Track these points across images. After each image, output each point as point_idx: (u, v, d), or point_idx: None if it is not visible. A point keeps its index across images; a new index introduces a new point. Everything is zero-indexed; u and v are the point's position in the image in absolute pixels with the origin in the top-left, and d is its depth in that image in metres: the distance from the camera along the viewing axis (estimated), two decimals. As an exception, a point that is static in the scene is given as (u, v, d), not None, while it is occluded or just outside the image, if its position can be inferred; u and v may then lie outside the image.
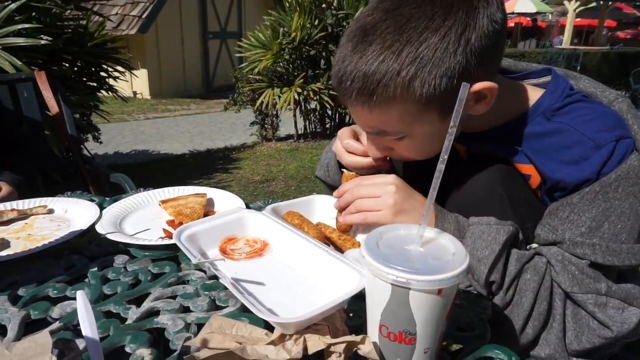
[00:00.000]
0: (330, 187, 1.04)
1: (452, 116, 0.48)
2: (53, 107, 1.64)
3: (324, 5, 5.07)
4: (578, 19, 16.70)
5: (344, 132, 0.88)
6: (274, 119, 5.46)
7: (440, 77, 0.62)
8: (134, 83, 8.69)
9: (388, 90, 0.63)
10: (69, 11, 3.47)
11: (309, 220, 0.78)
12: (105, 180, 1.64)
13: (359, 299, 0.66)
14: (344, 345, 0.50)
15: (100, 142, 4.21)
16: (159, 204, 0.97)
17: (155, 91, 9.03)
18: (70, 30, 3.30)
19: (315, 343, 0.51)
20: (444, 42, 0.61)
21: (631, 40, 19.02)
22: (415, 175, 0.89)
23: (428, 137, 0.71)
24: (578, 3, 13.47)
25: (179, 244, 0.67)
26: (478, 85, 0.66)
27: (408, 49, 0.61)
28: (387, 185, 0.72)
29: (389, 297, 0.46)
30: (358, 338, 0.49)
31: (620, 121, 0.70)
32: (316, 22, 4.96)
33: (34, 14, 2.90)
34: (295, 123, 5.41)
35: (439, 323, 0.48)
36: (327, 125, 5.69)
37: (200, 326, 0.61)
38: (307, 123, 5.54)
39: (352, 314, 0.64)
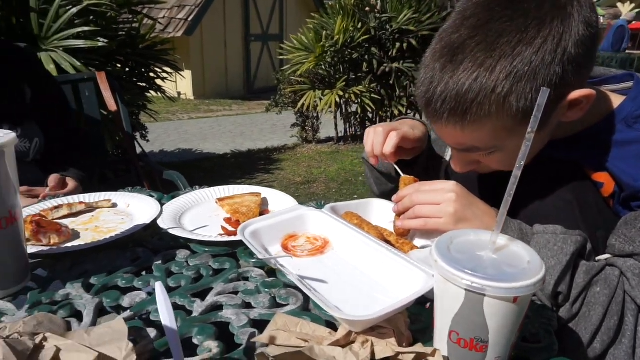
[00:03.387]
0: (374, 171, 1.04)
1: (530, 122, 0.47)
2: (112, 106, 1.72)
3: (367, 9, 5.07)
4: (633, 22, 15.89)
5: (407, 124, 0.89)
6: (315, 121, 5.50)
7: (537, 90, 0.61)
8: (179, 84, 8.96)
9: (483, 108, 0.63)
10: (122, 15, 3.63)
11: (368, 221, 0.79)
12: (158, 177, 1.70)
13: (420, 303, 0.65)
14: (412, 355, 0.50)
15: (148, 141, 4.37)
16: (216, 202, 1.00)
17: (199, 92, 9.28)
18: (124, 33, 3.45)
19: (384, 349, 0.51)
20: (539, 54, 0.60)
21: (691, 45, 17.93)
22: (473, 181, 0.88)
23: (519, 150, 0.70)
24: (633, 5, 12.83)
25: (244, 241, 0.69)
26: (576, 93, 0.64)
27: (502, 64, 0.61)
28: (448, 192, 0.72)
29: (461, 302, 0.46)
30: (429, 350, 0.49)
31: None
32: (359, 26, 4.96)
33: (91, 17, 3.04)
34: (336, 125, 5.43)
35: (512, 332, 0.47)
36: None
37: (262, 322, 0.63)
38: (347, 126, 5.55)
39: (413, 319, 0.63)
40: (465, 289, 0.45)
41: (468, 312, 0.46)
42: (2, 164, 0.60)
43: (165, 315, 0.46)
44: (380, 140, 0.86)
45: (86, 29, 2.72)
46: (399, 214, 0.78)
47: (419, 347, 0.52)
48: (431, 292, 0.58)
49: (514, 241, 0.50)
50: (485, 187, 0.86)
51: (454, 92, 0.64)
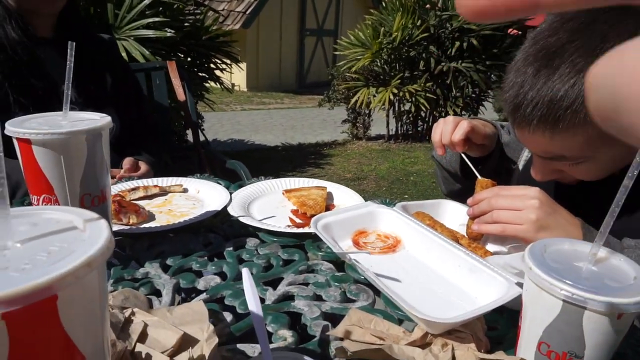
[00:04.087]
0: (442, 170, 1.04)
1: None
2: (181, 94, 1.78)
3: (428, 6, 4.97)
4: None
5: (463, 122, 0.88)
6: (366, 118, 5.46)
7: None
8: (233, 76, 9.18)
9: (578, 116, 0.61)
10: (188, 6, 3.75)
11: (441, 222, 0.77)
12: (219, 166, 1.75)
13: (494, 310, 0.63)
14: (496, 362, 0.48)
15: (203, 129, 4.50)
16: (283, 193, 1.01)
17: (252, 84, 9.46)
18: (188, 24, 3.56)
19: (465, 354, 0.50)
20: None
21: None
22: (549, 190, 0.84)
23: (612, 160, 0.67)
24: None
25: (319, 234, 0.69)
26: None
27: None
28: (530, 198, 0.69)
29: (557, 314, 0.44)
30: (516, 359, 0.47)
31: None
32: (418, 23, 4.87)
33: (160, 8, 3.16)
34: (388, 123, 5.37)
35: (610, 350, 0.44)
36: (419, 128, 5.57)
37: (334, 316, 0.63)
38: (399, 125, 5.48)
39: (489, 326, 0.61)
40: (564, 300, 0.43)
41: (563, 325, 0.44)
42: (98, 146, 0.64)
43: (252, 301, 0.47)
44: (450, 128, 0.85)
45: (156, 19, 2.83)
46: (473, 217, 0.75)
47: (501, 355, 0.50)
48: (512, 301, 0.57)
49: (615, 254, 0.48)
50: (562, 196, 0.82)
51: (547, 99, 0.61)
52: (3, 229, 0.30)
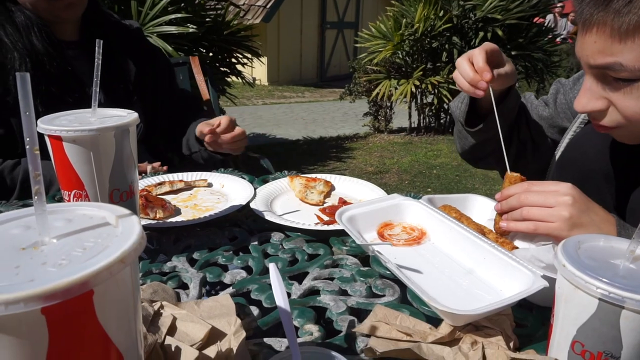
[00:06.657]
0: (457, 123, 1.06)
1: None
2: (204, 89, 1.80)
3: (450, -5, 4.88)
4: None
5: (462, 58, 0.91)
6: (388, 110, 5.42)
7: None
8: (254, 70, 9.21)
9: None
10: (209, 1, 3.77)
11: (467, 215, 0.76)
12: (241, 159, 1.76)
13: (523, 307, 0.62)
14: (528, 363, 0.47)
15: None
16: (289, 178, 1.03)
17: (273, 78, 9.48)
18: (210, 19, 3.59)
19: (495, 353, 0.49)
20: None
21: None
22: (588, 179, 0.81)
23: None
24: None
25: (343, 226, 0.69)
26: None
27: None
28: (563, 195, 0.66)
29: (592, 312, 0.43)
30: (549, 359, 0.46)
31: None
32: (441, 14, 4.79)
33: (182, 4, 3.20)
34: (410, 116, 5.31)
35: (648, 350, 0.43)
36: (442, 121, 5.50)
37: (360, 311, 0.63)
38: (421, 117, 5.41)
39: (517, 323, 0.60)
40: (600, 299, 0.41)
41: (599, 324, 0.43)
42: (125, 142, 0.65)
43: (280, 296, 0.48)
44: (480, 55, 0.88)
45: (178, 15, 2.86)
46: (501, 213, 0.74)
47: (533, 355, 0.49)
48: (535, 295, 0.55)
49: (654, 251, 0.46)
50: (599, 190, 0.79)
51: None
52: (41, 225, 0.31)
